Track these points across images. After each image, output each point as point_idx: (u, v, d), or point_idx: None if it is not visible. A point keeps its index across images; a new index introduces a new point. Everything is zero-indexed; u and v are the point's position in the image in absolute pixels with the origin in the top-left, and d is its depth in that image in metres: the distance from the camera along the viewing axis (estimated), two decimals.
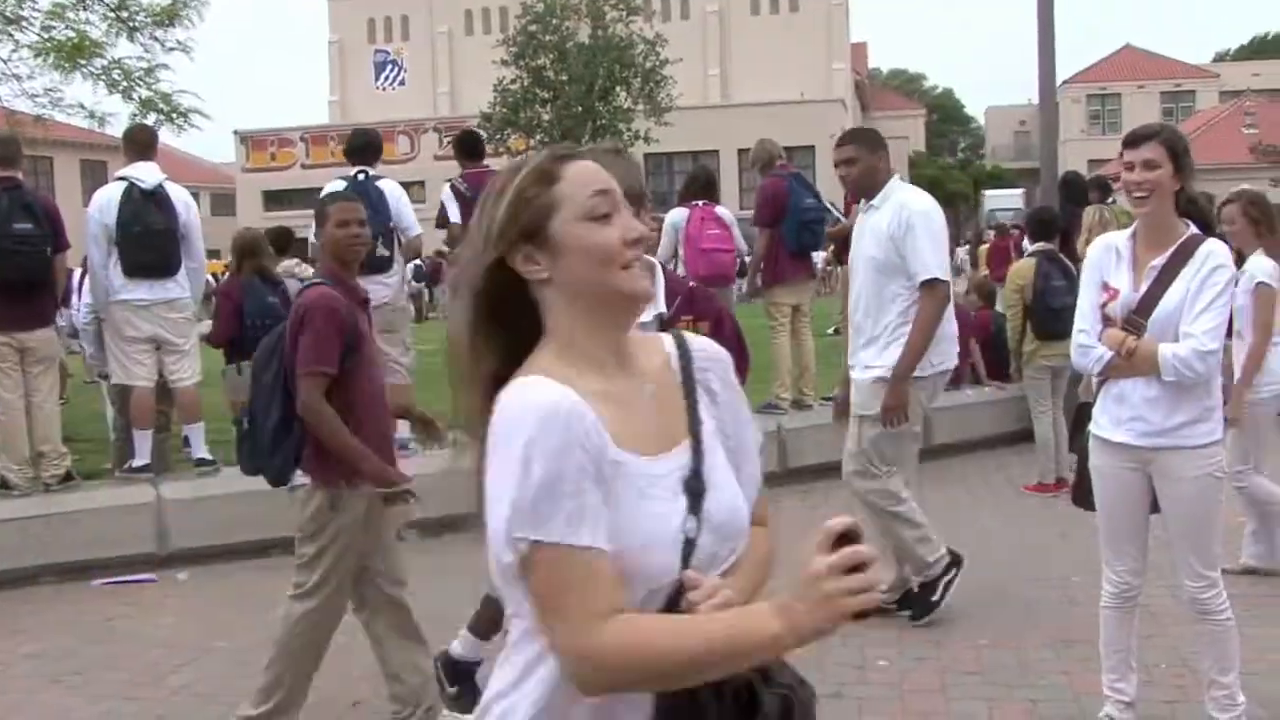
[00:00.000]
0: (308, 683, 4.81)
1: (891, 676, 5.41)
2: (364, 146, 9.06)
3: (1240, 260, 6.39)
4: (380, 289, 8.55)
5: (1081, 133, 65.16)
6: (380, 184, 8.74)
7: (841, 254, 10.21)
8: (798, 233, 9.66)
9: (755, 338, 5.96)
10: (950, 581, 6.07)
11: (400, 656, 4.84)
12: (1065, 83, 67.51)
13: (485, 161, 9.82)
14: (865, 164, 6.12)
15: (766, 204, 9.80)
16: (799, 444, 9.42)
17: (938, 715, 5.00)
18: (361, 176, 8.72)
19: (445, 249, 9.80)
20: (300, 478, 4.70)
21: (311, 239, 8.74)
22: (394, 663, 4.83)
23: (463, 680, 5.13)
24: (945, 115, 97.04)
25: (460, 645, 5.19)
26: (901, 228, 5.86)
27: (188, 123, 13.10)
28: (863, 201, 6.25)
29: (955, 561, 6.11)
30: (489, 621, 5.01)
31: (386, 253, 8.57)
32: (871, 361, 6.01)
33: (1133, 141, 4.38)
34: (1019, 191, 53.07)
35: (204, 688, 5.62)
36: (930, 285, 5.86)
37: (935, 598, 6.06)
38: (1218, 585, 4.47)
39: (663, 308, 2.92)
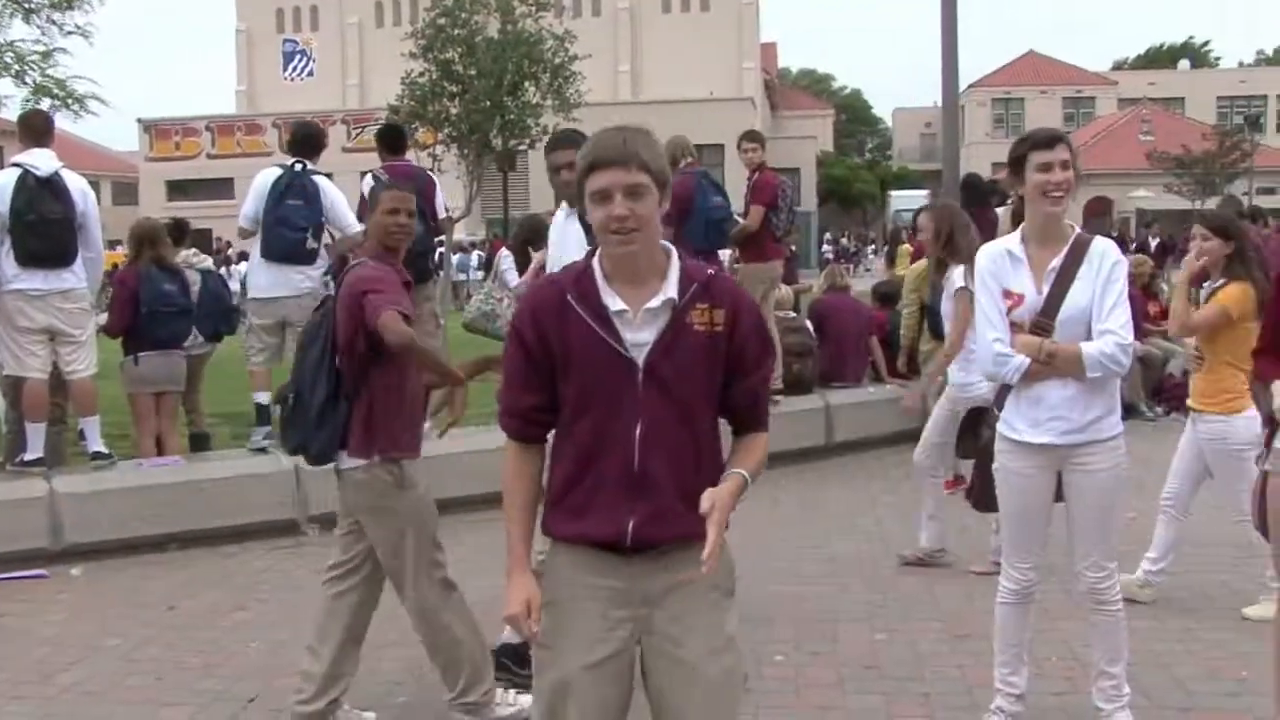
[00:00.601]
0: (479, 644, 4.87)
1: (787, 671, 5.46)
2: (306, 139, 8.96)
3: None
4: (304, 280, 8.55)
5: (986, 135, 66.20)
6: (318, 179, 8.65)
7: (745, 254, 10.29)
8: (704, 231, 9.69)
9: None
10: None
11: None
12: (970, 86, 68.67)
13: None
14: None
15: (672, 202, 9.81)
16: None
17: (835, 710, 5.05)
18: (299, 168, 8.61)
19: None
20: (347, 459, 4.71)
21: (241, 224, 8.67)
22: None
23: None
24: (853, 116, 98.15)
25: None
26: None
27: (84, 109, 12.85)
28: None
29: None
30: None
31: (315, 245, 8.55)
32: None
33: (1048, 143, 4.39)
34: (924, 192, 53.71)
35: (94, 686, 5.50)
36: None
37: None
38: (1114, 577, 4.59)
39: (674, 293, 2.88)
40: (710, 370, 2.98)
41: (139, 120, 58.82)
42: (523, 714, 4.80)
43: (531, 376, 3.00)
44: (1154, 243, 32.37)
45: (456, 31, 20.17)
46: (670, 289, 2.94)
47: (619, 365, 2.92)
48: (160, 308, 8.60)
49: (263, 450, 8.43)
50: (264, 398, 8.67)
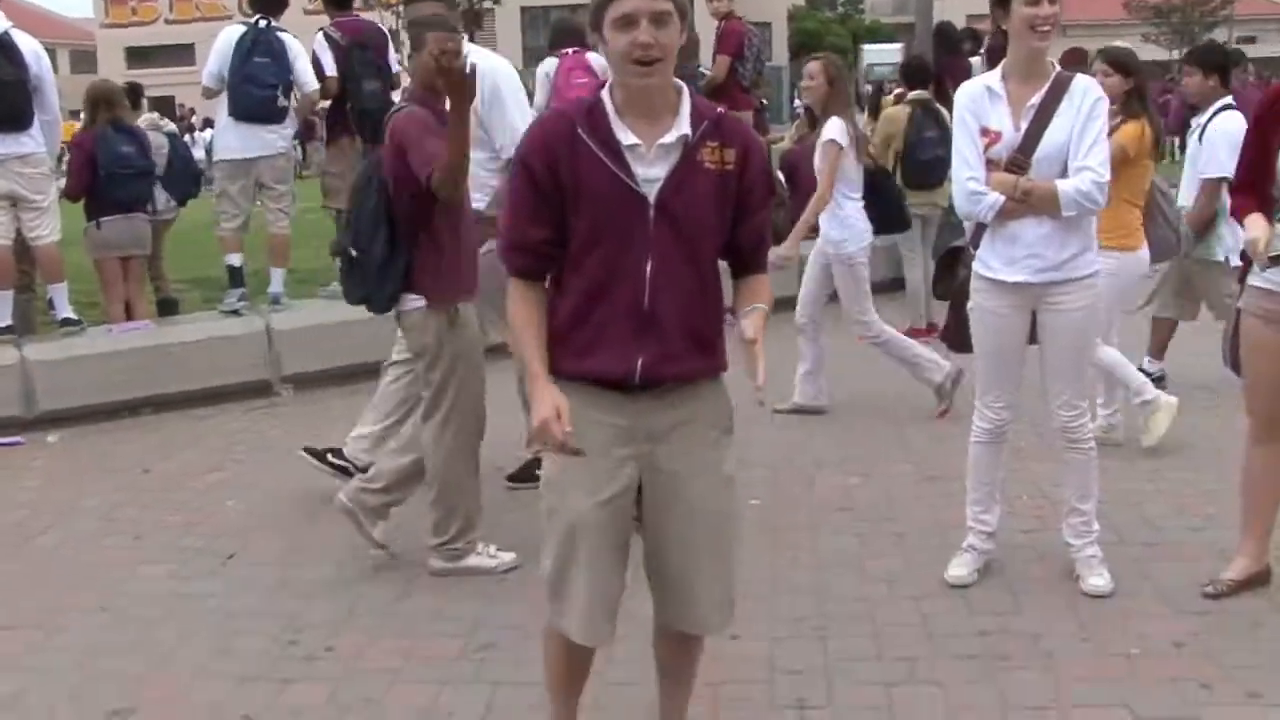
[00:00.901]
0: (479, 494, 5.01)
1: (764, 515, 5.51)
2: None
3: (814, 119, 7.43)
4: (276, 139, 8.43)
5: None
6: (283, 35, 8.43)
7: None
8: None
9: None
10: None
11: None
12: None
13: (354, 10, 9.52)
14: None
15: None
16: None
17: (806, 549, 5.12)
18: (264, 24, 8.39)
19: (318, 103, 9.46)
20: (411, 301, 4.79)
21: (204, 84, 8.47)
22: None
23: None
24: None
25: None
26: None
27: None
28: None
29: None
30: None
31: (285, 103, 8.39)
32: None
33: None
34: (897, 46, 52.93)
35: (72, 547, 5.53)
36: None
37: None
38: (1086, 414, 4.64)
39: (686, 130, 2.84)
40: (720, 209, 2.94)
41: None
42: (500, 568, 4.91)
43: (540, 208, 2.93)
44: None
45: None
46: (683, 125, 2.89)
47: (630, 200, 2.87)
48: (118, 169, 8.46)
49: (235, 313, 8.38)
50: (236, 260, 8.58)
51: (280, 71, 8.28)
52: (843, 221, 7.13)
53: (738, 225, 3.00)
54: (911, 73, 9.83)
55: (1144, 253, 6.05)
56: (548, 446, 2.88)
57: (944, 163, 6.85)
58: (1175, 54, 40.88)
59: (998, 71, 4.50)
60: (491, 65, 5.51)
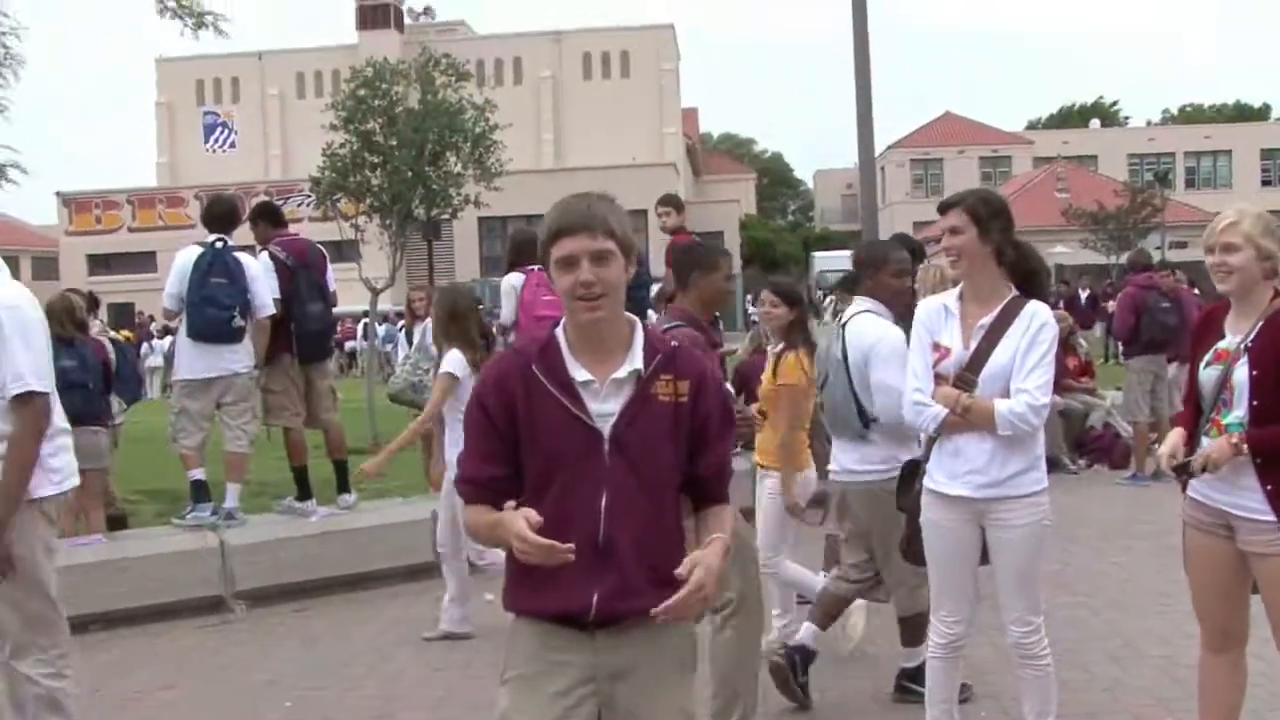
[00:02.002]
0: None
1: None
2: (223, 214, 8.81)
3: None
4: (235, 359, 8.41)
5: (906, 195, 67.30)
6: (239, 256, 8.52)
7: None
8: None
9: None
10: None
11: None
12: (890, 148, 69.78)
13: (291, 228, 9.62)
14: None
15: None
16: None
17: None
18: (220, 245, 8.50)
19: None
20: None
21: (165, 305, 8.54)
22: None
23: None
24: (775, 179, 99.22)
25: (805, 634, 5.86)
26: None
27: (4, 178, 12.68)
28: None
29: None
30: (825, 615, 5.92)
31: (242, 323, 8.38)
32: None
33: (941, 210, 4.59)
34: (847, 253, 54.35)
35: None
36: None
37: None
38: (1041, 631, 4.63)
39: (639, 364, 2.88)
40: (675, 441, 2.96)
41: (58, 193, 58.19)
42: None
43: (494, 446, 2.96)
44: (1084, 294, 32.71)
45: (377, 103, 20.14)
46: (636, 359, 2.93)
47: (585, 436, 2.89)
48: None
49: (214, 527, 8.27)
50: (199, 474, 8.46)
51: (237, 293, 8.31)
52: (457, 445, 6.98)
53: (696, 457, 3.01)
54: (851, 284, 10.06)
55: (810, 473, 6.44)
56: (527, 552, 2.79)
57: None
58: (1112, 259, 42.15)
59: (956, 290, 4.67)
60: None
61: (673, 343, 3.04)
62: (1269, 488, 4.11)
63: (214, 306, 8.25)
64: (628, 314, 3.01)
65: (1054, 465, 10.43)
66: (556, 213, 2.94)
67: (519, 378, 2.94)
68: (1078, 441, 12.75)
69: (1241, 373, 4.17)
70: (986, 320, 4.48)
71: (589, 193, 2.96)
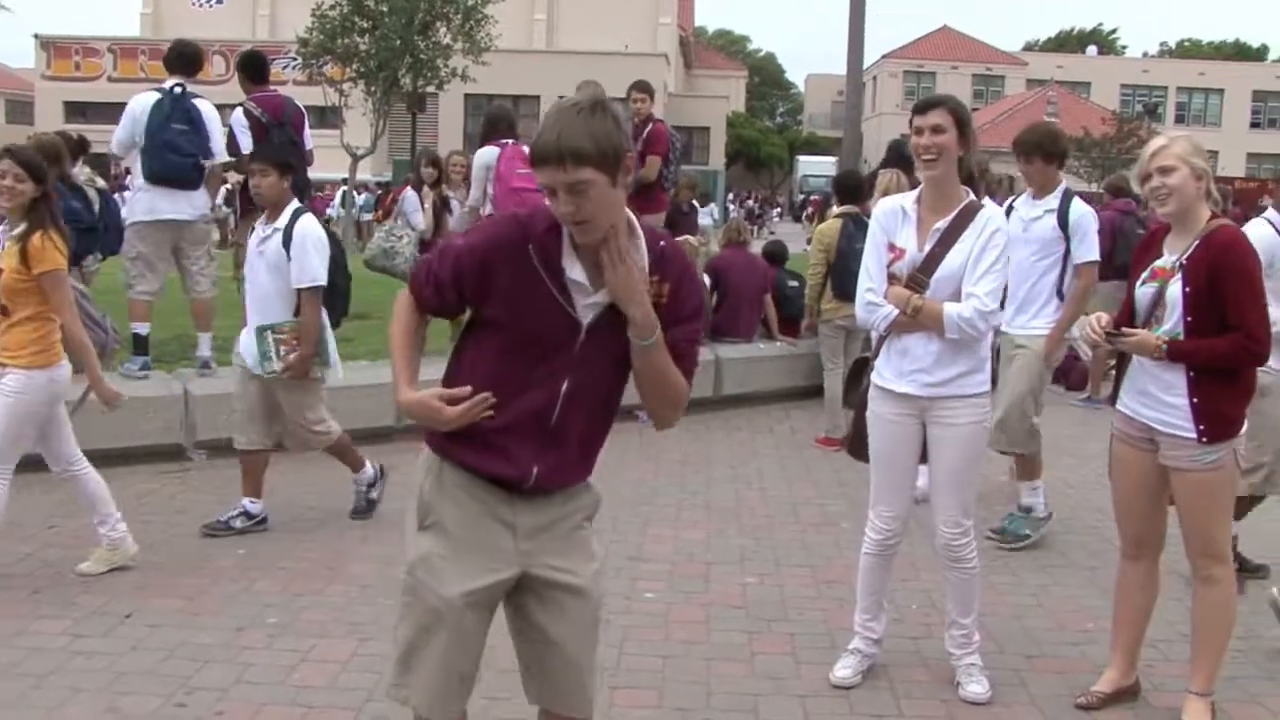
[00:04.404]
0: None
1: (659, 608, 5.63)
2: (183, 57, 8.65)
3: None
4: (193, 204, 8.45)
5: (897, 107, 66.82)
6: (198, 103, 8.48)
7: (639, 204, 10.37)
8: None
9: None
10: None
11: None
12: (884, 57, 69.25)
13: (273, 87, 9.55)
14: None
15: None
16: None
17: (699, 644, 5.23)
18: (179, 90, 8.44)
19: (234, 178, 9.41)
20: None
21: (112, 150, 8.51)
22: None
23: None
24: (767, 79, 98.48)
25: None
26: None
27: None
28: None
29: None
30: None
31: (203, 168, 8.45)
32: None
33: (922, 108, 4.63)
34: (832, 159, 54.20)
35: None
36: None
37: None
38: (970, 534, 4.77)
39: (642, 264, 2.91)
40: None
41: (36, 36, 56.99)
42: None
43: (462, 282, 2.96)
44: None
45: None
46: (640, 259, 2.92)
47: (564, 323, 2.90)
48: (67, 225, 8.44)
49: (144, 378, 8.35)
50: (143, 329, 8.50)
51: (199, 140, 8.32)
52: None
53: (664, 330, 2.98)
54: (843, 190, 10.11)
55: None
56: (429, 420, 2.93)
57: None
58: (1093, 186, 42.21)
59: (915, 193, 4.74)
60: None
61: (660, 243, 3.01)
62: (1195, 400, 4.25)
63: (176, 153, 8.26)
64: (628, 214, 2.94)
65: None
66: (536, 135, 2.84)
67: (514, 252, 2.90)
68: None
69: (1175, 289, 4.30)
70: (942, 224, 4.57)
71: (569, 108, 2.81)
